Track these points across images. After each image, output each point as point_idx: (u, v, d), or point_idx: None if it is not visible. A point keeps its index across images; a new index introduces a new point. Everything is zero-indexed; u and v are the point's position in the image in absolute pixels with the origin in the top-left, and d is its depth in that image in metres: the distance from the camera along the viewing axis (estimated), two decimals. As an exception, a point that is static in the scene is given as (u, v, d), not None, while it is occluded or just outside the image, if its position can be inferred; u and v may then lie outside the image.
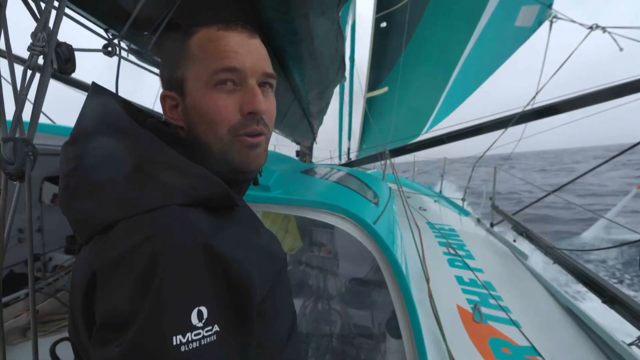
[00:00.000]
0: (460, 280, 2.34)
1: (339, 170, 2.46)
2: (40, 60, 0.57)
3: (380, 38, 6.70)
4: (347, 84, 7.54)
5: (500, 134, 3.84)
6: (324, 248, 2.33)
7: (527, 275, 2.75)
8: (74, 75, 0.80)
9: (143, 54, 1.02)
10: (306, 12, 1.12)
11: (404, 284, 1.24)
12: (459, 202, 4.92)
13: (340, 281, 2.25)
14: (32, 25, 0.57)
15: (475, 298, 2.09)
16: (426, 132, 7.30)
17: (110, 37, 0.90)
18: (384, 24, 6.44)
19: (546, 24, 4.40)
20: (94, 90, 0.65)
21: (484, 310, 1.95)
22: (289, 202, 1.34)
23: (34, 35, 0.54)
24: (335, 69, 2.05)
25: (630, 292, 5.74)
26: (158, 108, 0.74)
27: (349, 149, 8.47)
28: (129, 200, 0.52)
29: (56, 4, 0.57)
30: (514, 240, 3.53)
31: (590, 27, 3.49)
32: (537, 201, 4.09)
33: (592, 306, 2.38)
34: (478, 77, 6.69)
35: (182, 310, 0.45)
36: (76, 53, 0.69)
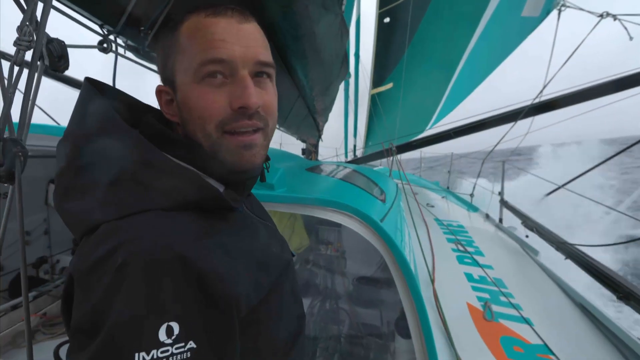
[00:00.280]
0: (469, 277, 2.28)
1: (345, 167, 2.43)
2: (29, 56, 0.54)
3: (384, 34, 6.64)
4: (352, 80, 7.50)
5: (509, 127, 3.77)
6: (331, 246, 2.30)
7: (539, 272, 2.69)
8: (75, 75, 0.77)
9: (140, 51, 1.00)
10: (307, 4, 1.09)
11: (412, 283, 1.21)
12: (467, 198, 4.86)
13: (347, 280, 2.23)
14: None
15: (486, 295, 2.04)
16: (431, 127, 7.24)
17: (106, 33, 0.88)
18: (387, 20, 6.37)
19: (554, 13, 4.31)
20: (86, 86, 0.61)
21: (494, 308, 1.89)
22: (294, 200, 1.32)
23: (19, 29, 0.51)
24: (339, 64, 2.02)
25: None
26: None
27: (355, 146, 8.44)
28: (111, 203, 0.51)
29: None
30: (527, 236, 3.46)
31: (601, 15, 3.41)
32: (547, 195, 4.03)
33: (605, 302, 2.32)
34: (483, 70, 6.64)
35: (148, 325, 0.43)
36: (73, 51, 0.66)
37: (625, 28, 3.25)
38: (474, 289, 2.13)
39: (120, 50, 0.92)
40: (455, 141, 4.37)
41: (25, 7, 0.53)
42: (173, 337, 0.43)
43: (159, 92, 0.65)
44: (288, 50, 1.51)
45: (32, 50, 0.55)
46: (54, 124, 2.63)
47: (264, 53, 0.64)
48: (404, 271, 1.23)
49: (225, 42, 0.58)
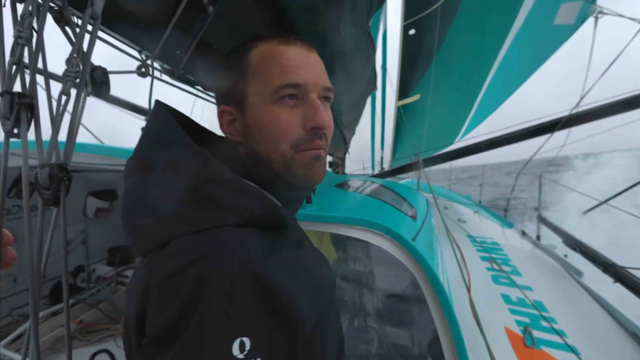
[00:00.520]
0: (506, 299, 2.15)
1: (373, 182, 2.39)
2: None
3: (409, 45, 6.58)
4: (379, 92, 7.45)
5: (545, 139, 3.60)
6: (359, 262, 2.26)
7: (583, 295, 2.48)
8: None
9: (176, 74, 1.04)
10: (337, 24, 1.10)
11: (447, 306, 1.18)
12: (501, 213, 4.66)
13: (376, 297, 2.17)
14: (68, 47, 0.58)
15: (525, 319, 1.91)
16: (460, 139, 7.07)
17: (144, 58, 0.92)
18: (412, 31, 6.31)
19: (590, 20, 4.13)
20: (157, 108, 0.66)
21: (535, 333, 1.77)
22: (324, 219, 1.31)
23: (68, 61, 0.55)
24: (366, 79, 2.01)
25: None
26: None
27: (382, 159, 8.35)
28: (183, 219, 0.53)
29: (90, 28, 0.58)
30: (565, 255, 3.26)
31: (642, 22, 3.24)
32: (588, 211, 3.82)
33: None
34: (515, 80, 6.43)
35: (223, 339, 0.44)
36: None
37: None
38: (512, 312, 2.01)
39: (157, 73, 0.97)
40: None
41: (74, 40, 0.57)
42: (245, 353, 0.44)
43: (221, 112, 0.70)
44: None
45: (77, 80, 0.58)
46: (96, 142, 2.77)
47: (327, 79, 0.70)
48: (438, 294, 1.20)
49: (299, 68, 0.64)
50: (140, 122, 2.75)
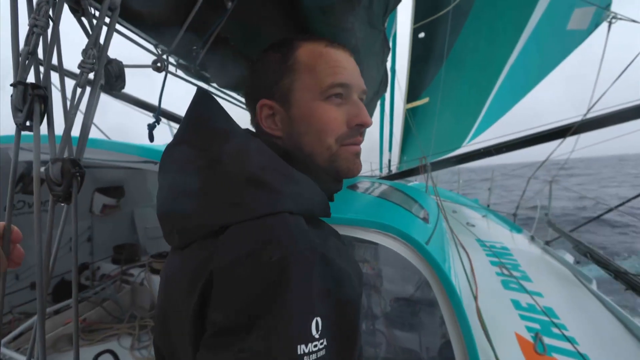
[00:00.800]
0: (517, 304, 2.12)
1: (384, 184, 2.38)
2: (91, 77, 0.55)
3: (418, 49, 6.57)
4: (387, 94, 7.44)
5: (557, 144, 3.56)
6: (367, 264, 2.25)
7: (594, 302, 2.44)
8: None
9: (192, 69, 1.02)
10: (354, 23, 1.08)
11: (459, 310, 1.17)
12: (510, 218, 4.62)
13: (384, 300, 2.15)
14: (83, 40, 0.56)
15: (536, 326, 1.88)
16: (468, 142, 7.04)
17: (160, 52, 0.89)
18: (422, 35, 6.30)
19: (603, 25, 4.09)
20: (201, 96, 0.67)
21: (546, 340, 1.74)
22: (339, 221, 1.30)
23: (84, 52, 0.52)
24: (379, 80, 1.99)
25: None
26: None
27: (389, 161, 8.34)
28: (241, 205, 0.53)
29: (107, 20, 0.55)
30: (577, 262, 3.22)
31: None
32: (596, 218, 3.77)
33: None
34: (525, 85, 6.37)
35: (305, 319, 0.45)
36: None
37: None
38: (523, 317, 1.97)
39: (172, 68, 0.94)
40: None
41: (91, 32, 0.54)
42: (319, 332, 0.45)
43: (261, 106, 0.71)
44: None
45: (93, 72, 0.55)
46: (103, 137, 2.75)
47: (363, 83, 0.74)
48: (450, 297, 1.19)
49: (346, 70, 0.69)
50: (147, 118, 2.71)
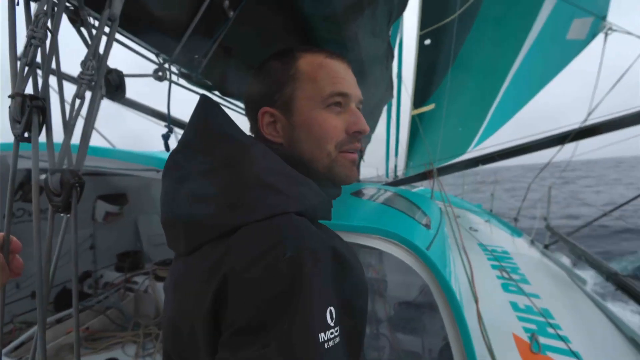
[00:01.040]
0: (515, 306, 2.19)
1: (387, 190, 2.39)
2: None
3: (424, 55, 6.62)
4: (394, 101, 7.48)
5: (556, 151, 3.62)
6: (372, 268, 2.25)
7: (587, 303, 2.57)
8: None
9: (193, 78, 1.02)
10: (357, 32, 1.09)
11: (459, 314, 1.20)
12: (511, 222, 4.67)
13: (388, 304, 2.17)
14: (83, 49, 0.56)
15: (532, 326, 1.95)
16: (473, 149, 7.07)
17: (161, 61, 0.89)
18: (427, 41, 6.35)
19: (600, 36, 4.16)
20: (205, 101, 0.69)
21: (542, 340, 1.81)
22: (340, 227, 1.32)
23: (83, 64, 0.52)
24: (384, 87, 2.00)
25: None
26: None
27: (395, 166, 8.36)
28: (248, 207, 0.54)
29: (107, 30, 0.55)
30: (574, 265, 3.30)
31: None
32: (592, 222, 3.83)
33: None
34: (528, 92, 6.44)
35: (323, 309, 0.47)
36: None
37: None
38: (520, 319, 2.05)
39: (174, 77, 0.94)
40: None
41: (90, 43, 0.54)
42: (334, 320, 0.48)
43: (263, 113, 0.72)
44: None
45: (92, 83, 0.55)
46: (108, 145, 2.76)
47: (360, 93, 0.77)
48: (450, 302, 1.22)
49: (346, 81, 0.72)
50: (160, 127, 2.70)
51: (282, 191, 0.57)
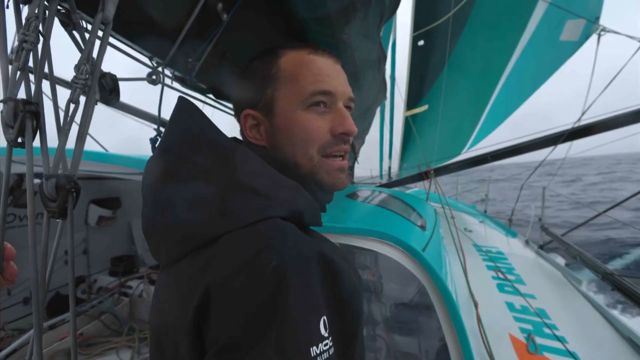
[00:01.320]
0: (511, 307, 2.20)
1: (383, 192, 2.40)
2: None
3: (418, 56, 6.65)
4: (387, 102, 7.49)
5: (548, 151, 3.65)
6: (367, 271, 2.25)
7: (583, 303, 2.56)
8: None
9: (187, 81, 1.01)
10: (348, 34, 1.10)
11: (455, 315, 1.21)
12: (505, 223, 4.69)
13: (385, 306, 2.17)
14: (76, 53, 0.55)
15: (529, 327, 1.95)
16: (467, 150, 7.11)
17: (155, 65, 0.89)
18: (421, 42, 6.39)
19: (593, 37, 4.20)
20: (184, 104, 0.65)
21: (538, 340, 1.82)
22: (336, 230, 1.33)
23: (77, 67, 0.52)
24: (376, 89, 2.00)
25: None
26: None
27: (389, 168, 8.37)
28: (230, 213, 0.51)
29: (100, 33, 0.54)
30: (567, 264, 3.32)
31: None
32: (585, 222, 3.86)
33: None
34: (521, 93, 6.48)
35: (313, 320, 0.44)
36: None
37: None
38: (516, 319, 2.05)
39: (167, 81, 0.94)
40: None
41: (83, 47, 0.53)
42: (327, 331, 0.45)
43: (245, 116, 0.70)
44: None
45: (86, 87, 0.55)
46: (100, 149, 2.73)
47: (351, 90, 0.72)
48: (447, 303, 1.23)
49: (330, 77, 0.67)
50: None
51: (267, 196, 0.54)
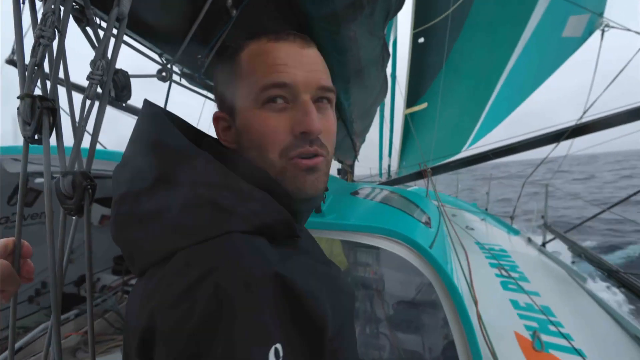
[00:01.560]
0: (515, 304, 2.20)
1: (386, 190, 2.40)
2: (99, 89, 0.54)
3: (418, 54, 6.62)
4: (387, 100, 7.47)
5: (551, 148, 3.63)
6: (369, 268, 2.25)
7: (588, 300, 2.56)
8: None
9: (196, 78, 1.01)
10: (355, 31, 1.09)
11: (463, 313, 1.21)
12: (507, 220, 4.69)
13: (387, 303, 2.17)
14: (89, 53, 0.55)
15: (534, 324, 1.95)
16: (468, 148, 7.08)
17: (164, 61, 0.89)
18: (421, 40, 6.35)
19: (597, 33, 4.16)
20: (147, 109, 0.59)
21: (544, 337, 1.81)
22: (344, 227, 1.32)
23: (93, 63, 0.51)
24: (379, 87, 2.00)
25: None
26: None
27: (389, 166, 8.36)
28: (186, 228, 0.47)
29: (115, 31, 0.54)
30: (572, 262, 3.31)
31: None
32: (588, 220, 3.86)
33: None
34: (523, 91, 6.43)
35: (258, 351, 0.39)
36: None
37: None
38: (521, 317, 2.05)
39: (176, 77, 0.94)
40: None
41: (96, 42, 0.53)
42: (281, 359, 0.40)
43: (216, 118, 0.64)
44: (332, 75, 1.52)
45: (101, 83, 0.55)
46: (100, 147, 2.73)
47: (325, 78, 0.62)
48: (454, 299, 1.22)
49: (288, 67, 0.57)
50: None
51: (225, 209, 0.49)
